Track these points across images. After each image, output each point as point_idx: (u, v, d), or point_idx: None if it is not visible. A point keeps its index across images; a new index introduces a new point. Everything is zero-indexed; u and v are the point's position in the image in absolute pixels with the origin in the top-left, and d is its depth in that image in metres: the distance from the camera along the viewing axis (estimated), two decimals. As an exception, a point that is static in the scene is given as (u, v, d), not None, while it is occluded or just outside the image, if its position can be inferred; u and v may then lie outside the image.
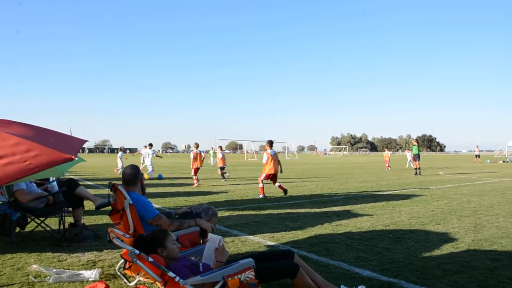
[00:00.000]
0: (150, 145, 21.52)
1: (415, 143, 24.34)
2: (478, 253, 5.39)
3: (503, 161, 47.82)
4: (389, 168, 28.08)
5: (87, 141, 5.55)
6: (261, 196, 11.65)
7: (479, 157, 50.41)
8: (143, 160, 21.64)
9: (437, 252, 5.46)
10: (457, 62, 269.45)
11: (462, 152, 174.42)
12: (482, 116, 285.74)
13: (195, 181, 15.95)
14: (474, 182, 17.42)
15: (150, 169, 20.01)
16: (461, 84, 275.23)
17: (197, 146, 17.24)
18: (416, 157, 23.39)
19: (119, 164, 24.49)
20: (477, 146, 53.43)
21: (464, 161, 50.14)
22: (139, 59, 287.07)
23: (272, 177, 12.26)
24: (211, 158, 39.76)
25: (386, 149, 30.55)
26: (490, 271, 4.60)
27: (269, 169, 12.03)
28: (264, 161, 12.22)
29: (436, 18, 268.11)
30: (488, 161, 49.11)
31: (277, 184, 12.20)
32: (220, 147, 22.73)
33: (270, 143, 12.51)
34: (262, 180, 12.00)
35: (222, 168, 19.60)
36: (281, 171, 12.50)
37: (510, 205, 9.98)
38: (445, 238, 6.34)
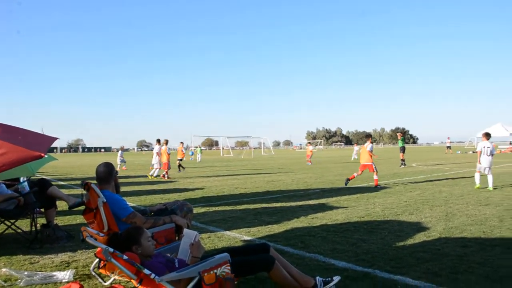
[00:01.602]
0: (158, 141, 19.78)
1: (400, 136, 24.80)
2: (449, 241, 5.54)
3: (473, 152, 48.92)
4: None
5: (57, 138, 5.45)
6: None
7: (450, 149, 51.52)
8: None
9: (410, 241, 5.57)
10: (428, 55, 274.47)
11: (434, 144, 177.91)
12: (453, 109, 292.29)
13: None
14: (446, 172, 17.82)
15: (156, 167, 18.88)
16: (432, 78, 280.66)
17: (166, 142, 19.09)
18: (402, 149, 23.89)
19: (118, 161, 26.57)
20: (448, 138, 54.61)
21: (436, 153, 51.19)
22: (112, 57, 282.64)
23: None
24: (198, 156, 42.29)
25: (355, 144, 32.03)
26: (460, 257, 4.74)
27: None
28: None
29: (404, 12, 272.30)
30: (459, 152, 50.22)
31: None
32: (182, 142, 25.91)
33: None
34: None
35: (180, 160, 23.14)
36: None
37: (479, 194, 10.26)
38: (418, 227, 6.47)
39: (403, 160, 23.54)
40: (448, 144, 53.33)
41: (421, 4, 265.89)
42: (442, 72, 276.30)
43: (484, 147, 11.68)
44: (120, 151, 28.17)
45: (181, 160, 23.84)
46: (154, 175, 18.21)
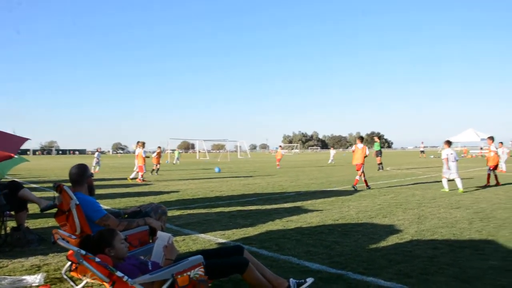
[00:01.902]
0: (142, 144, 19.10)
1: (377, 140, 25.09)
2: (421, 243, 5.65)
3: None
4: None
5: (28, 139, 5.33)
6: None
7: (424, 153, 52.53)
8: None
9: (383, 244, 5.66)
10: (402, 60, 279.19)
11: (409, 148, 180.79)
12: (427, 114, 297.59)
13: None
14: (419, 176, 18.15)
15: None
16: (407, 83, 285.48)
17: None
18: (379, 153, 24.25)
19: (94, 163, 26.25)
20: (422, 142, 55.73)
21: (410, 157, 52.07)
22: (86, 60, 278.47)
23: None
24: (176, 158, 42.48)
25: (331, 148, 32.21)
26: (431, 259, 4.85)
27: None
28: None
29: (378, 17, 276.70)
30: (432, 156, 51.14)
31: None
32: (159, 147, 25.09)
33: None
34: None
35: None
36: None
37: (450, 197, 10.49)
38: (391, 230, 6.58)
39: (380, 164, 23.94)
40: (422, 149, 54.35)
41: (393, 7, 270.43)
42: (417, 78, 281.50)
43: (448, 154, 12.42)
44: (97, 153, 27.69)
45: (157, 164, 23.29)
46: (131, 177, 18.24)
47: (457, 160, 12.34)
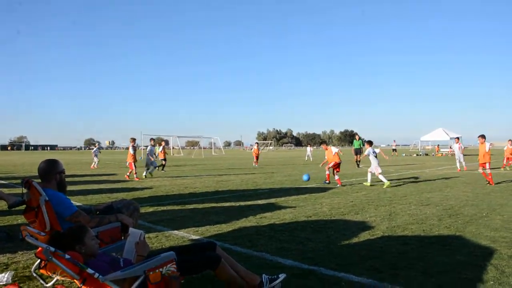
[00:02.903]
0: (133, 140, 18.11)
1: (357, 138, 25.43)
2: (392, 239, 5.76)
3: (417, 155, 51.02)
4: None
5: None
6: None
7: (396, 151, 53.39)
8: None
9: (355, 240, 5.74)
10: (376, 59, 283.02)
11: (381, 146, 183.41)
12: (399, 113, 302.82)
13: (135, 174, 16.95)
14: (391, 174, 18.43)
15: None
16: (380, 82, 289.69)
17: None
18: (358, 151, 24.63)
19: (95, 160, 25.73)
20: (394, 141, 56.63)
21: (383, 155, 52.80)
22: (57, 54, 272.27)
23: None
24: (155, 154, 40.89)
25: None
26: (401, 254, 4.96)
27: None
28: None
29: (354, 14, 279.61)
30: (404, 154, 52.11)
31: None
32: (164, 140, 26.07)
33: None
34: None
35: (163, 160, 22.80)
36: None
37: (421, 194, 10.71)
38: (363, 226, 6.68)
39: (358, 161, 24.59)
40: (394, 147, 55.25)
41: (372, 4, 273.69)
42: (390, 78, 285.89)
43: (372, 152, 13.81)
44: (94, 148, 27.12)
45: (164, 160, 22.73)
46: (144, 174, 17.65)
47: (375, 156, 13.73)
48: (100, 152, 26.24)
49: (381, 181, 13.08)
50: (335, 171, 13.76)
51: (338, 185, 13.23)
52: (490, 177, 13.41)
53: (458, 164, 20.89)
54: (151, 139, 19.32)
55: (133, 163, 16.94)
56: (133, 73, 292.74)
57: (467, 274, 4.22)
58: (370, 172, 13.67)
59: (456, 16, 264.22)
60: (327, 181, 13.99)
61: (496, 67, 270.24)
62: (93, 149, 27.19)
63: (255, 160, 27.94)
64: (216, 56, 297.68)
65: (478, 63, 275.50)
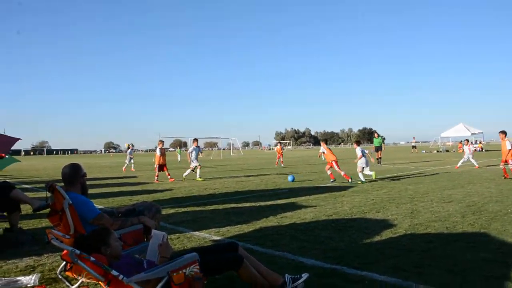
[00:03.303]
0: (196, 140, 18.16)
1: (376, 136, 25.32)
2: (414, 237, 5.69)
3: (437, 151, 50.30)
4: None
5: (19, 139, 5.29)
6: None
7: (415, 148, 52.78)
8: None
9: (377, 238, 5.69)
10: (393, 56, 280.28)
11: (401, 143, 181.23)
12: (419, 109, 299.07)
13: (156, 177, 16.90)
14: (411, 171, 18.25)
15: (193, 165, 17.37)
16: (397, 79, 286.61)
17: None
18: (378, 148, 24.73)
19: (127, 162, 25.50)
20: (414, 138, 55.99)
21: (402, 152, 52.31)
22: (75, 60, 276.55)
23: None
24: (178, 156, 42.89)
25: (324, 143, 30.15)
26: (425, 252, 4.90)
27: None
28: None
29: (367, 12, 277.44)
30: (424, 151, 51.47)
31: None
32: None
33: None
34: None
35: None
36: None
37: (442, 191, 10.56)
38: (385, 224, 6.62)
39: (379, 158, 24.60)
40: (413, 144, 54.62)
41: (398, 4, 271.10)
42: (408, 74, 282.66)
43: (362, 151, 14.28)
44: (129, 150, 26.59)
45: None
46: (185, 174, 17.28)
47: (365, 156, 14.25)
48: (132, 154, 25.80)
49: (402, 176, 12.93)
50: (332, 167, 14.41)
51: (331, 180, 14.14)
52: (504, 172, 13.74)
53: (460, 162, 20.34)
54: (195, 139, 18.21)
55: (157, 167, 17.05)
56: (149, 75, 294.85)
57: (493, 272, 4.15)
58: (360, 171, 14.17)
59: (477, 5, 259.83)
60: (332, 179, 14.28)
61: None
62: (127, 151, 26.61)
63: (278, 159, 27.32)
64: (232, 58, 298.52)
65: (498, 54, 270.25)
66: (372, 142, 25.23)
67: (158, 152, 17.45)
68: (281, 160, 27.32)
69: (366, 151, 14.74)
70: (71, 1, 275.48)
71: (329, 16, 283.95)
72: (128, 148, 27.01)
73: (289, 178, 15.16)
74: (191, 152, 17.62)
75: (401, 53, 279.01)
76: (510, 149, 13.97)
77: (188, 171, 17.44)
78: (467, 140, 22.45)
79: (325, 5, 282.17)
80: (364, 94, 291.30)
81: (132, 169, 25.40)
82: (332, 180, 14.19)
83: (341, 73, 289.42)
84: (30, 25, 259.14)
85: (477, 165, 19.66)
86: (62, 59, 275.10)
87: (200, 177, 16.94)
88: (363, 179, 13.71)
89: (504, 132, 14.43)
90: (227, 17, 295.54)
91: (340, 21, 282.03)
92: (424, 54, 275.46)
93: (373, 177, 14.25)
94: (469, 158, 20.19)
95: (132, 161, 25.89)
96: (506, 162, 13.98)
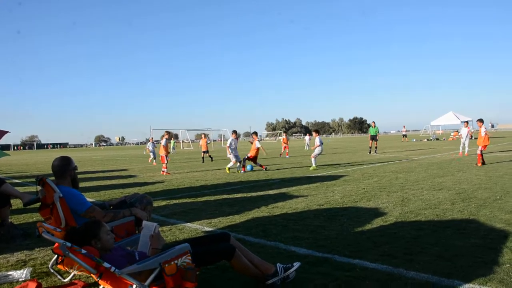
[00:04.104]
0: (234, 132, 16.83)
1: (373, 125, 25.45)
2: (405, 224, 5.75)
3: (427, 139, 50.67)
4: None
5: (7, 132, 5.22)
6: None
7: (406, 137, 53.17)
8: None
9: (368, 227, 5.74)
10: (385, 46, 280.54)
11: (391, 132, 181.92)
12: (408, 98, 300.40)
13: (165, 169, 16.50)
14: (402, 160, 18.36)
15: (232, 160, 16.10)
16: (387, 68, 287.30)
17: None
18: (374, 137, 24.95)
19: (151, 155, 24.82)
20: (404, 126, 56.44)
21: (393, 141, 52.56)
22: (65, 53, 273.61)
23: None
24: (172, 147, 41.78)
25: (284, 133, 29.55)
26: (415, 239, 4.95)
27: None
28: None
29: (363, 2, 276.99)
30: (414, 140, 51.76)
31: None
32: (204, 134, 27.42)
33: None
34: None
35: (205, 152, 24.84)
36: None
37: (433, 179, 10.65)
38: (375, 213, 6.67)
39: (375, 147, 24.82)
40: (404, 133, 55.01)
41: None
42: (397, 63, 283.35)
43: (320, 141, 15.68)
44: (150, 144, 25.42)
45: (206, 152, 24.91)
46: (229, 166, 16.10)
47: (322, 144, 15.77)
48: (156, 147, 24.26)
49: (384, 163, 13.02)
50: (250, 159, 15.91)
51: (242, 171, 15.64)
52: (478, 158, 14.36)
53: (461, 148, 20.46)
54: (234, 131, 16.78)
55: (165, 157, 16.68)
56: (137, 68, 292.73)
57: (483, 257, 4.20)
58: (314, 157, 15.69)
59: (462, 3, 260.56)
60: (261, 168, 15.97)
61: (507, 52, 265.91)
62: (148, 143, 25.68)
63: (283, 150, 26.87)
64: (221, 47, 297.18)
65: (489, 44, 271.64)
66: (363, 132, 25.33)
67: (164, 143, 17.16)
68: (286, 151, 26.66)
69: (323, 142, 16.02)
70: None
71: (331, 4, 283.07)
72: (148, 141, 26.35)
73: (248, 167, 16.30)
74: (230, 144, 16.33)
75: (391, 41, 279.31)
76: (482, 136, 14.84)
77: (231, 163, 16.06)
78: (467, 122, 22.30)
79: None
80: (353, 83, 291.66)
81: (151, 160, 24.62)
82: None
83: (331, 62, 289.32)
84: (19, 16, 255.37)
85: (466, 152, 19.76)
86: (52, 51, 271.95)
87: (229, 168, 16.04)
88: (314, 164, 15.49)
89: (481, 120, 15.31)
90: (210, 3, 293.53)
91: (331, 6, 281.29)
92: (414, 42, 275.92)
93: (312, 168, 15.41)
94: (464, 142, 20.16)
95: (152, 155, 24.70)
96: (483, 148, 14.65)
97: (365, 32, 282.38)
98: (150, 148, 24.89)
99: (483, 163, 14.27)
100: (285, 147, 27.00)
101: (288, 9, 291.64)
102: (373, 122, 25.86)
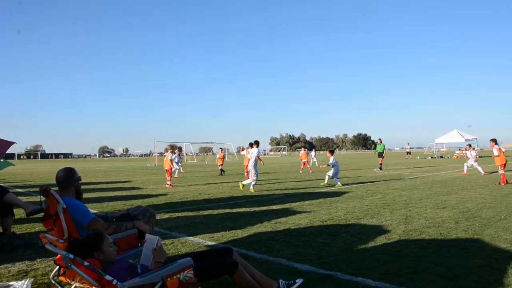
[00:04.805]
0: (256, 143, 15.15)
1: (379, 142, 25.59)
2: (408, 243, 5.71)
3: (431, 157, 50.51)
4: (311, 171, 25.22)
5: (14, 143, 5.24)
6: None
7: (410, 154, 53.03)
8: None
9: (371, 244, 5.70)
10: (387, 61, 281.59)
11: (395, 149, 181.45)
12: (413, 115, 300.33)
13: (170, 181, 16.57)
14: (406, 177, 18.31)
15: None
16: (392, 84, 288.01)
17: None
18: (380, 154, 25.09)
19: (176, 167, 24.52)
20: (408, 144, 56.23)
21: (397, 158, 52.47)
22: (70, 64, 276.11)
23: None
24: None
25: (302, 149, 27.37)
26: (418, 258, 4.91)
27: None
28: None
29: (362, 17, 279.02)
30: (418, 157, 51.62)
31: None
32: (221, 149, 27.65)
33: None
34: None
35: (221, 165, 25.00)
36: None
37: (437, 197, 10.59)
38: (379, 230, 6.63)
39: (380, 164, 25.02)
40: (408, 150, 54.87)
41: (373, 7, 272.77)
42: (402, 80, 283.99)
43: (313, 156, 15.99)
44: (175, 156, 24.53)
45: (221, 165, 25.15)
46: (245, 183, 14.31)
47: (334, 163, 15.54)
48: (181, 159, 24.80)
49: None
50: None
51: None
52: (502, 177, 14.19)
53: (465, 168, 20.25)
54: (256, 142, 15.19)
55: (170, 171, 16.82)
56: (141, 80, 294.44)
57: (487, 277, 4.17)
58: (328, 174, 15.56)
59: (466, 22, 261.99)
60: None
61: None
62: (173, 155, 25.45)
63: (303, 166, 25.91)
64: (227, 61, 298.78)
65: (495, 60, 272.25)
66: (367, 148, 25.41)
67: (170, 156, 17.36)
68: (309, 166, 25.80)
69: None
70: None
71: (327, 17, 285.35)
72: (174, 153, 26.13)
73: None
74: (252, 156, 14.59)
75: (396, 59, 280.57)
76: (496, 155, 14.64)
77: (249, 180, 14.11)
78: (470, 145, 22.26)
79: (324, 5, 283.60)
80: (358, 100, 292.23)
81: (176, 175, 23.70)
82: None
83: (334, 77, 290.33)
84: (24, 24, 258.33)
85: (483, 172, 19.15)
86: (58, 60, 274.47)
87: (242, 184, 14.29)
88: (326, 181, 15.44)
89: (493, 140, 15.07)
90: (216, 15, 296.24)
91: (337, 22, 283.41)
92: (419, 59, 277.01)
93: (324, 184, 15.32)
94: (472, 164, 19.91)
95: (178, 166, 24.11)
96: (501, 167, 14.47)
97: (370, 48, 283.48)
98: (176, 160, 24.70)
99: (506, 182, 14.04)
100: (304, 163, 25.85)
101: (291, 22, 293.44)
102: (379, 139, 25.91)
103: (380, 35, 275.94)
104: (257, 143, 15.01)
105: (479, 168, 19.57)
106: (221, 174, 24.06)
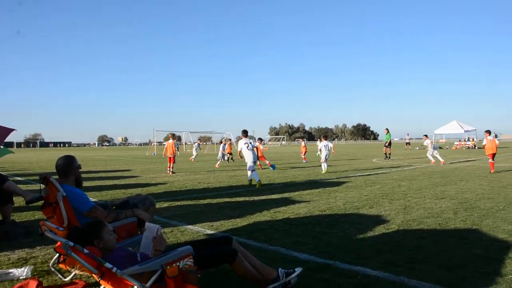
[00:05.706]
0: (245, 133, 13.55)
1: (386, 132, 25.63)
2: (407, 233, 5.73)
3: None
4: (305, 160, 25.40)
5: (14, 130, 5.23)
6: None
7: (409, 144, 53.15)
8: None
9: (370, 234, 5.72)
10: (387, 53, 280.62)
11: (394, 140, 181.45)
12: (412, 106, 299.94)
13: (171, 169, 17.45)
14: (405, 167, 18.34)
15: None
16: (391, 75, 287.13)
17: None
18: (388, 144, 25.30)
19: (194, 153, 28.63)
20: (408, 134, 56.36)
21: (396, 149, 52.44)
22: (70, 52, 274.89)
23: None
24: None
25: (301, 140, 29.01)
26: (417, 248, 4.93)
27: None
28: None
29: (364, 7, 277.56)
30: (417, 148, 51.68)
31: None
32: (230, 139, 29.66)
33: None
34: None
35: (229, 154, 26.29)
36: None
37: (435, 188, 10.62)
38: (378, 220, 6.65)
39: (389, 153, 25.26)
40: (407, 140, 54.97)
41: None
42: (402, 70, 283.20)
43: (324, 145, 16.72)
44: (195, 144, 29.87)
45: (229, 154, 26.55)
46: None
47: (329, 150, 16.70)
48: (200, 148, 28.66)
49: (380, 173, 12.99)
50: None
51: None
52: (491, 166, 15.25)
53: (430, 157, 21.42)
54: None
55: (174, 157, 17.88)
56: (144, 69, 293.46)
57: (485, 268, 4.18)
58: (322, 162, 16.43)
59: (463, 15, 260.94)
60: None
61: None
62: (194, 144, 29.56)
63: (302, 155, 26.25)
64: (226, 51, 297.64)
65: (492, 52, 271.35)
66: (366, 138, 25.45)
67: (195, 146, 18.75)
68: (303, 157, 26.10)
69: (330, 145, 17.17)
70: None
71: (325, 7, 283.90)
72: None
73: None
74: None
75: (396, 49, 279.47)
76: (484, 144, 15.93)
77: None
78: (426, 135, 22.95)
79: None
80: (357, 90, 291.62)
81: (191, 159, 27.97)
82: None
83: (336, 69, 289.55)
84: (24, 16, 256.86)
85: (432, 160, 20.93)
86: (55, 50, 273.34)
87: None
88: (324, 170, 16.09)
89: (487, 131, 15.81)
90: (215, 8, 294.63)
91: (336, 13, 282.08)
92: (419, 50, 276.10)
93: (325, 171, 15.97)
94: (433, 152, 21.23)
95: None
96: (489, 156, 15.38)
97: (371, 39, 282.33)
98: (195, 146, 29.02)
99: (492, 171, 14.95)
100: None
101: (292, 14, 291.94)
102: (386, 129, 25.94)
103: (382, 27, 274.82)
104: (245, 132, 13.44)
105: (438, 157, 20.85)
106: (229, 161, 25.86)
